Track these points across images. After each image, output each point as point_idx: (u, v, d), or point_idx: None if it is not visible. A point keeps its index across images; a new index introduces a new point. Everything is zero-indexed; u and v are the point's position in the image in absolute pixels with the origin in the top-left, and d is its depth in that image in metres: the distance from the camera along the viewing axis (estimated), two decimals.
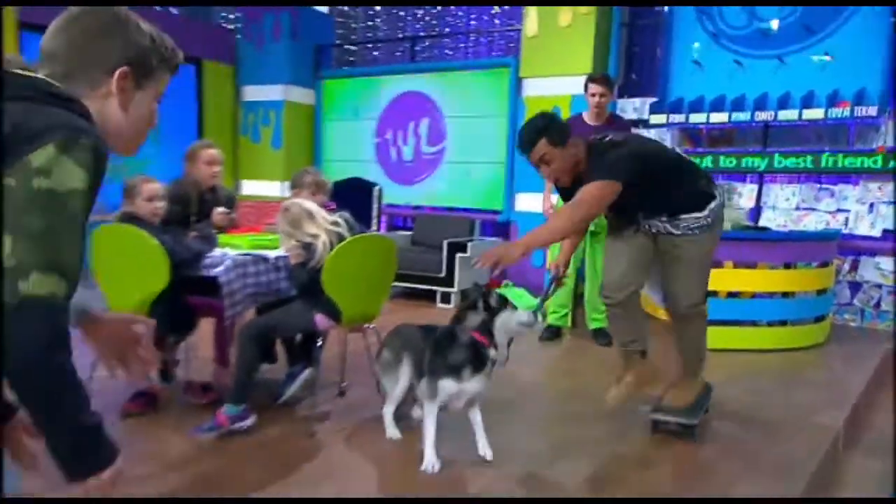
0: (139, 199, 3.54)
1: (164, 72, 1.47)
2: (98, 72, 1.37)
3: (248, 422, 3.28)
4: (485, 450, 3.01)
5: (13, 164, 1.17)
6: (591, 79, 5.24)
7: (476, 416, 3.04)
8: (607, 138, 3.24)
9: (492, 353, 2.87)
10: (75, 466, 1.28)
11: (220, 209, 4.20)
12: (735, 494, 2.87)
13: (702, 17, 6.58)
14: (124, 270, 3.52)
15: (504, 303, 2.90)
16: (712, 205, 3.23)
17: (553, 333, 5.43)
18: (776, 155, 6.27)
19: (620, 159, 3.06)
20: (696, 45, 6.61)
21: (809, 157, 6.14)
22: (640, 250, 3.32)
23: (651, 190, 3.12)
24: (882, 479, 3.33)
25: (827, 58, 6.03)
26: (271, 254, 3.76)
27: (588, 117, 5.20)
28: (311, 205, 3.57)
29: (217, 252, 3.69)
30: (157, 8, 8.64)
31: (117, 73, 1.38)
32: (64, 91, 1.32)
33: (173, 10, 9.05)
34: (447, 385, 2.87)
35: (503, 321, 2.88)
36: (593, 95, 5.12)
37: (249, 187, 9.19)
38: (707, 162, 6.54)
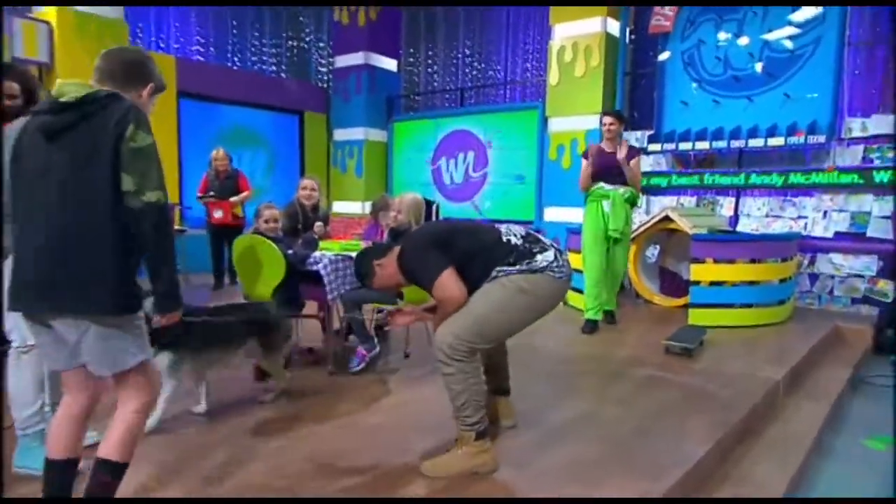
0: (261, 221, 3.93)
1: (161, 89, 2.01)
2: (140, 85, 1.92)
3: (377, 350, 3.90)
4: None
5: (120, 137, 1.72)
6: (604, 112, 5.50)
7: None
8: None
9: None
10: (166, 303, 1.84)
11: (318, 223, 4.47)
12: (687, 426, 2.95)
13: (688, 67, 6.80)
14: (256, 268, 3.80)
15: None
16: (518, 267, 2.46)
17: (592, 327, 5.04)
18: (751, 174, 6.47)
19: (424, 249, 2.54)
20: (694, 85, 6.77)
21: (776, 176, 6.31)
22: None
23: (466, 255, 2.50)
24: (812, 415, 3.52)
25: (815, 95, 6.08)
26: (355, 255, 4.07)
27: (605, 145, 5.13)
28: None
29: (317, 254, 3.85)
30: (271, 73, 9.30)
31: (148, 86, 1.95)
32: (121, 94, 1.83)
33: (283, 76, 9.56)
34: None
35: None
36: (605, 125, 5.13)
37: (339, 206, 9.55)
38: (695, 180, 6.77)
